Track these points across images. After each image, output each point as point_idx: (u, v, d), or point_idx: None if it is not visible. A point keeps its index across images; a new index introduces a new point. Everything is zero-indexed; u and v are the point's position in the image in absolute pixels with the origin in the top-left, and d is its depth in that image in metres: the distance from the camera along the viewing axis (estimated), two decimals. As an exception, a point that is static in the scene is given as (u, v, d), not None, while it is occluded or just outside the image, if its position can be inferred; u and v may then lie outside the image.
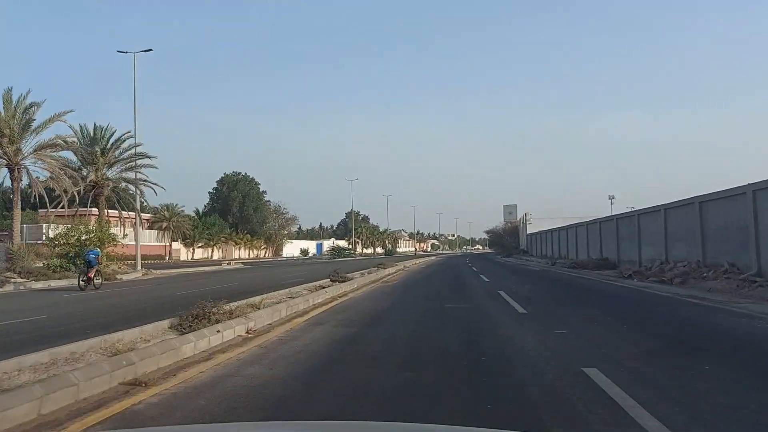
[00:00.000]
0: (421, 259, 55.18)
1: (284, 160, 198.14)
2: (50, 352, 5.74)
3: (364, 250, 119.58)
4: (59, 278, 22.81)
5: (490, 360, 5.96)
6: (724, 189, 19.07)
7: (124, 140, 27.93)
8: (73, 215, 29.25)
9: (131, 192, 30.47)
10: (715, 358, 6.16)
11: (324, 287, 15.36)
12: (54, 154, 23.80)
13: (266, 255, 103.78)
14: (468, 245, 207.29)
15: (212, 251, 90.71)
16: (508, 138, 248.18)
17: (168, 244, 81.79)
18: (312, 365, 5.99)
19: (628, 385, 4.67)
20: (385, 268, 28.72)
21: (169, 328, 7.93)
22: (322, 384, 5.17)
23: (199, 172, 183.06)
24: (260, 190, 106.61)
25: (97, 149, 26.86)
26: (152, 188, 33.10)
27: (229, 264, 46.70)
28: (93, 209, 72.80)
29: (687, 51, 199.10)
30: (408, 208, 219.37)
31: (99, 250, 21.90)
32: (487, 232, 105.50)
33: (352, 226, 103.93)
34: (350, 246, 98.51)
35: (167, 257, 79.10)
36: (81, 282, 18.82)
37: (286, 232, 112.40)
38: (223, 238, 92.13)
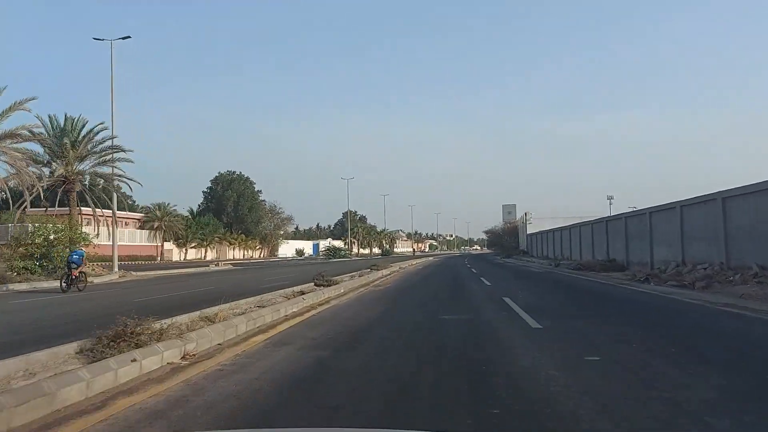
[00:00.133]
0: (419, 260, 53.25)
1: (282, 160, 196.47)
2: None
3: (361, 251, 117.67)
4: (20, 281, 20.88)
5: (506, 416, 4.02)
6: (752, 183, 17.21)
7: (98, 132, 26.01)
8: (45, 213, 27.28)
9: (107, 188, 28.43)
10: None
11: (304, 293, 13.45)
12: (17, 145, 21.82)
13: (261, 255, 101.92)
14: (466, 245, 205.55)
15: (205, 252, 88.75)
16: (506, 138, 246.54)
17: (159, 244, 79.86)
18: (245, 419, 4.08)
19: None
20: (378, 270, 26.82)
21: (76, 353, 5.99)
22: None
23: (196, 171, 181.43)
24: (255, 190, 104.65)
25: (66, 141, 24.89)
26: (128, 184, 31.04)
27: (217, 265, 44.74)
28: (82, 208, 70.80)
29: (686, 51, 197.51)
30: (406, 208, 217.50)
31: (83, 250, 20.91)
32: (486, 232, 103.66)
33: (348, 226, 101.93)
34: (346, 246, 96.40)
35: (159, 258, 77.17)
36: (63, 284, 18.22)
37: (281, 233, 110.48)
38: (216, 239, 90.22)
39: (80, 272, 19.03)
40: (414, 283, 20.86)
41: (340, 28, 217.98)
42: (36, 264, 22.95)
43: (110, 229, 30.08)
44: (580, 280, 21.82)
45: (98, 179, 26.71)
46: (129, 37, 28.91)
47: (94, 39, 28.96)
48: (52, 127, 25.91)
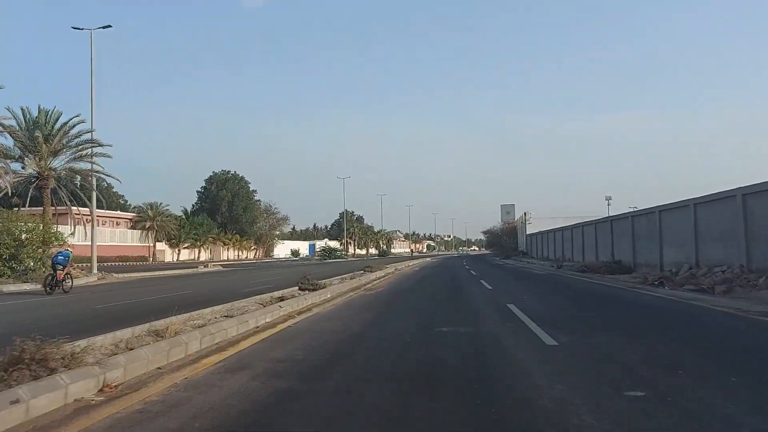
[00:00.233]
0: (415, 261, 51.79)
1: (280, 160, 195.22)
2: None
3: (357, 252, 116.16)
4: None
5: None
6: (778, 178, 15.80)
7: (74, 125, 24.45)
8: (17, 212, 25.68)
9: (85, 185, 26.86)
10: None
11: (285, 299, 11.97)
12: (-18, 139, 20.30)
13: (256, 256, 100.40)
14: (464, 246, 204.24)
15: (199, 252, 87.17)
16: (504, 138, 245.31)
17: (152, 244, 78.31)
18: None
19: None
20: (372, 272, 25.33)
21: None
22: None
23: (195, 171, 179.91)
24: (250, 189, 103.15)
25: (39, 135, 23.34)
26: (107, 181, 29.57)
27: (206, 266, 43.17)
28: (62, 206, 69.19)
29: (686, 51, 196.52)
30: (404, 209, 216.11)
31: (69, 251, 19.69)
32: (485, 233, 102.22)
33: (344, 225, 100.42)
34: (342, 247, 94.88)
35: (151, 259, 75.60)
36: (47, 286, 17.65)
37: (277, 233, 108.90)
38: (210, 239, 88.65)
39: (66, 274, 18.57)
40: (409, 286, 19.37)
41: (339, 28, 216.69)
42: (5, 266, 21.43)
43: (86, 228, 28.40)
44: (588, 283, 20.37)
45: (75, 176, 25.08)
46: (110, 26, 27.46)
47: (73, 28, 27.51)
48: (25, 120, 24.34)
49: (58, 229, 23.97)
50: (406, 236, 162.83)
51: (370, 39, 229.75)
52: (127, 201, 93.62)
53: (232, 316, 9.17)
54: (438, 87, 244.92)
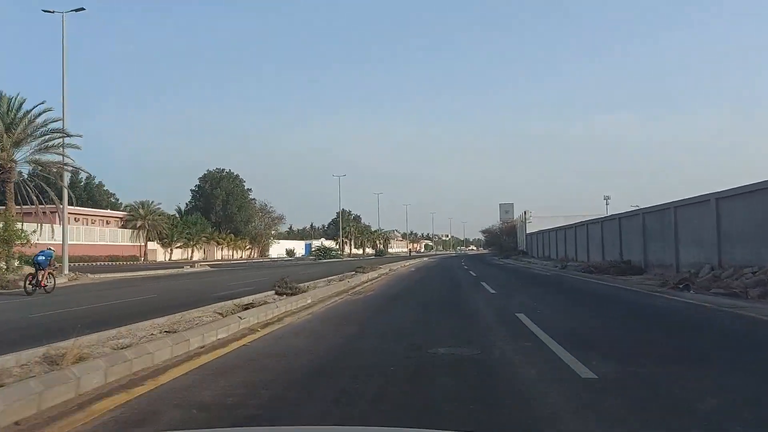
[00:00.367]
0: (413, 261, 49.88)
1: (278, 160, 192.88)
2: None
3: (354, 251, 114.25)
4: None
5: None
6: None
7: (39, 114, 22.53)
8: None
9: (49, 178, 24.88)
10: None
11: (254, 306, 10.08)
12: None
13: (251, 255, 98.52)
14: (462, 246, 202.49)
15: (192, 252, 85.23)
16: (501, 138, 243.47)
17: (143, 244, 76.37)
18: None
19: None
20: (364, 273, 23.42)
21: None
22: None
23: (193, 170, 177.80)
24: (245, 188, 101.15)
25: None
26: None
27: (193, 266, 41.25)
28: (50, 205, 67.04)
29: (685, 52, 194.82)
30: (402, 208, 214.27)
31: (52, 250, 18.82)
32: (483, 232, 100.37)
33: (340, 225, 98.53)
34: (338, 246, 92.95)
35: (142, 258, 73.68)
36: (28, 286, 17.06)
37: (273, 232, 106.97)
38: (204, 238, 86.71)
39: (48, 273, 17.98)
40: (402, 290, 17.45)
41: (338, 28, 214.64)
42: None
43: (53, 225, 26.44)
44: (600, 285, 18.45)
45: (48, 169, 23.09)
46: (83, 9, 25.52)
47: (44, 11, 25.62)
48: (-17, 109, 22.44)
49: (23, 227, 21.99)
50: (404, 236, 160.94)
51: (368, 39, 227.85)
52: (118, 200, 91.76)
53: (174, 332, 7.27)
54: (436, 87, 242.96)
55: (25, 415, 4.03)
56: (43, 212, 25.58)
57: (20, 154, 21.93)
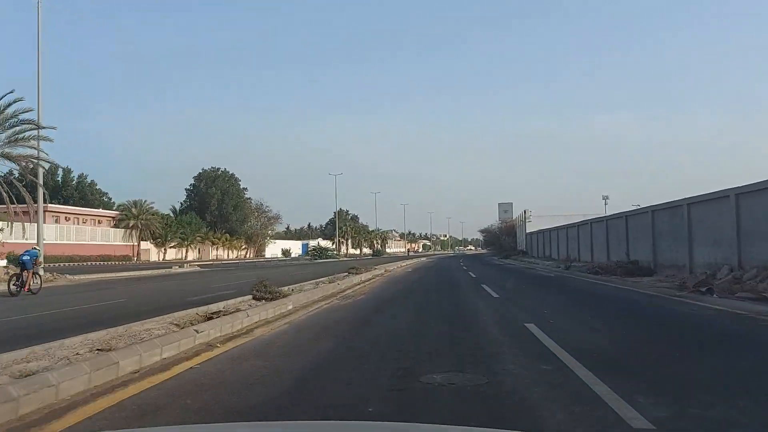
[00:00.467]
0: (410, 261, 48.45)
1: (276, 159, 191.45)
2: None
3: (351, 251, 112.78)
4: None
5: None
6: None
7: (9, 104, 20.94)
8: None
9: (23, 175, 23.39)
10: None
11: (221, 315, 8.68)
12: None
13: (247, 255, 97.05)
14: (460, 246, 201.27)
15: (186, 251, 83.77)
16: (499, 137, 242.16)
17: (136, 244, 74.88)
18: None
19: None
20: (357, 274, 22.02)
21: None
22: None
23: (185, 168, 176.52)
24: (240, 187, 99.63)
25: (-37, 114, 19.96)
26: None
27: (182, 267, 39.78)
28: (48, 205, 65.62)
29: (685, 52, 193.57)
30: (400, 208, 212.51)
31: (37, 250, 18.41)
32: (482, 232, 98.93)
33: (336, 224, 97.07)
34: (334, 246, 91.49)
35: (135, 258, 72.23)
36: (12, 287, 16.44)
37: (270, 232, 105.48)
38: (198, 238, 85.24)
39: (34, 273, 17.40)
40: (396, 293, 16.01)
41: (338, 29, 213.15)
42: None
43: (24, 224, 24.96)
44: (613, 289, 16.99)
45: (13, 162, 21.59)
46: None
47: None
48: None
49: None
50: (402, 236, 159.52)
51: (368, 39, 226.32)
52: (111, 199, 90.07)
53: (109, 350, 5.84)
54: (436, 87, 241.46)
55: None
56: (24, 211, 24.11)
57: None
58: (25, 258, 17.06)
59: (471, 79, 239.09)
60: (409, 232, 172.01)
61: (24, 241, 24.75)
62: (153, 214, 76.55)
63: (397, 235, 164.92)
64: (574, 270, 28.74)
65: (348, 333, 7.96)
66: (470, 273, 27.74)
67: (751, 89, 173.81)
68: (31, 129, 21.26)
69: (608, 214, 33.55)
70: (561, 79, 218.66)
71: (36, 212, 23.79)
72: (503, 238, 78.84)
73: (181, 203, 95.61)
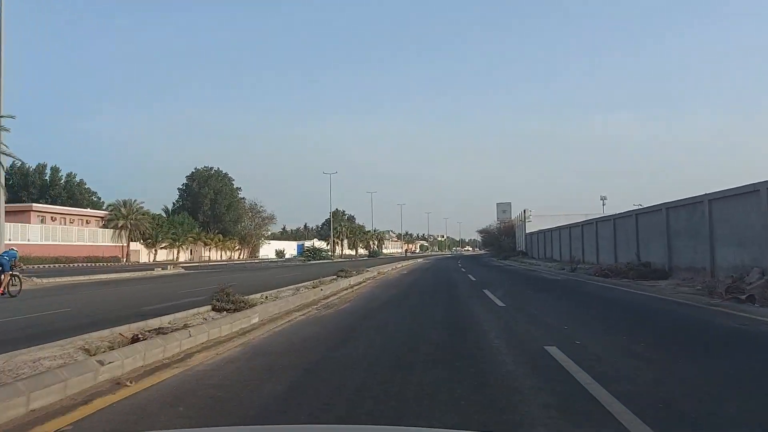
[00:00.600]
0: (406, 263, 46.54)
1: (277, 160, 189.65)
2: None
3: (346, 252, 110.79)
4: None
5: None
6: None
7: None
8: None
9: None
10: None
11: (161, 333, 6.77)
12: None
13: (241, 256, 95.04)
14: (457, 246, 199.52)
15: (178, 252, 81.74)
16: (497, 137, 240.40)
17: (125, 244, 72.82)
18: None
19: None
20: (346, 277, 20.11)
21: None
22: None
23: (180, 168, 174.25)
24: (234, 187, 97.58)
25: None
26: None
27: (165, 269, 37.77)
28: (33, 204, 63.15)
29: (685, 52, 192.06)
30: (397, 208, 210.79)
31: (15, 251, 17.65)
32: (480, 232, 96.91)
33: (331, 224, 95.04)
34: (328, 247, 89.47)
35: (124, 259, 70.22)
36: None
37: (269, 233, 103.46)
38: (190, 239, 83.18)
39: (12, 276, 16.84)
40: (387, 301, 14.07)
41: (338, 29, 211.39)
42: None
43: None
44: (634, 295, 15.00)
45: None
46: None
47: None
48: None
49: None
50: (399, 236, 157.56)
51: (368, 39, 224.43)
52: (100, 198, 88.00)
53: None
54: (436, 87, 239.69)
55: None
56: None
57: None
58: (4, 260, 16.40)
59: (471, 79, 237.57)
60: (407, 233, 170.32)
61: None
62: (143, 214, 74.55)
63: (394, 235, 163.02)
64: (581, 272, 26.84)
65: (314, 364, 6.00)
66: (470, 276, 25.81)
67: (751, 89, 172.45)
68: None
69: (615, 213, 31.64)
70: (561, 79, 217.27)
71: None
72: (502, 239, 76.89)
73: (173, 203, 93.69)
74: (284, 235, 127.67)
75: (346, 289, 17.15)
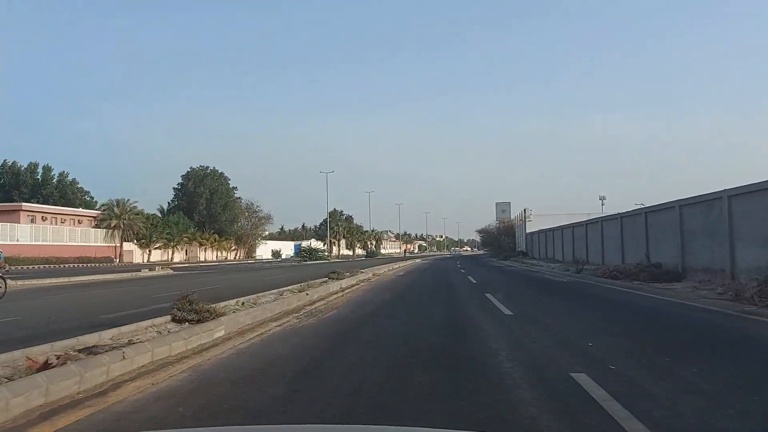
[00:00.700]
0: (404, 263, 45.13)
1: (276, 160, 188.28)
2: None
3: (344, 252, 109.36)
4: None
5: None
6: None
7: None
8: None
9: None
10: None
11: (94, 352, 5.33)
12: None
13: (237, 257, 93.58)
14: (456, 246, 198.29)
15: (172, 253, 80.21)
16: (500, 138, 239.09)
17: (118, 245, 71.36)
18: None
19: None
20: (338, 279, 18.68)
21: None
22: None
23: (175, 168, 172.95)
24: (230, 186, 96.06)
25: None
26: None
27: (153, 270, 36.31)
28: (23, 204, 61.58)
29: (685, 52, 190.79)
30: (395, 208, 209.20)
31: (0, 251, 17.22)
32: (479, 232, 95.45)
33: (327, 224, 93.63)
34: (325, 247, 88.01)
35: (117, 260, 68.74)
36: None
37: (264, 233, 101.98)
38: (185, 239, 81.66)
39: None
40: (378, 307, 12.63)
41: (338, 29, 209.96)
42: None
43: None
44: (654, 300, 13.51)
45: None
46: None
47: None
48: None
49: None
50: (397, 236, 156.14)
51: (368, 39, 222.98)
52: (93, 198, 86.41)
53: None
54: (436, 87, 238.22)
55: None
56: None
57: None
58: None
59: (471, 79, 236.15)
60: (405, 233, 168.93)
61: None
62: (136, 214, 73.12)
63: (392, 235, 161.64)
64: (587, 274, 25.43)
65: (270, 404, 4.56)
66: (470, 278, 24.37)
67: (751, 89, 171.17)
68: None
69: (619, 212, 30.24)
70: (561, 79, 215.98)
71: None
72: (502, 239, 75.44)
73: (168, 203, 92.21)
74: (282, 236, 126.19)
75: (336, 293, 15.71)
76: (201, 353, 6.67)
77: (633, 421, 3.67)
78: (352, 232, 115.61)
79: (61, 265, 54.92)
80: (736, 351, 6.79)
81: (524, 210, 68.11)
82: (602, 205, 66.05)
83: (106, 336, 6.96)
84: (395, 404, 4.35)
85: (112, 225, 70.27)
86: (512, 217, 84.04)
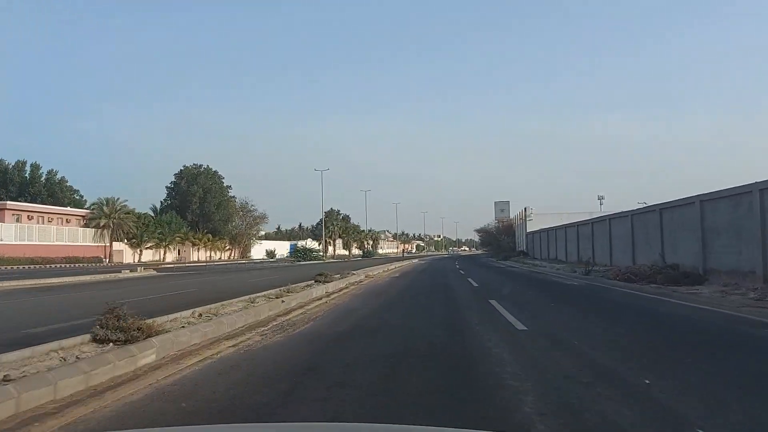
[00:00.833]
0: (399, 263, 43.24)
1: (276, 160, 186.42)
2: None
3: (340, 251, 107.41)
4: None
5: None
6: None
7: None
8: None
9: None
10: None
11: None
12: None
13: (231, 257, 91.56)
14: (454, 246, 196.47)
15: (164, 252, 78.18)
16: (500, 138, 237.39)
17: (108, 244, 69.38)
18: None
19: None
20: (325, 282, 16.82)
21: None
22: None
23: (171, 167, 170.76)
24: (224, 185, 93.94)
25: None
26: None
27: (135, 271, 34.33)
28: (8, 202, 59.41)
29: (685, 52, 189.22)
30: (392, 208, 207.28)
31: None
32: (478, 231, 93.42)
33: (323, 224, 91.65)
34: (320, 247, 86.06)
35: (107, 260, 66.79)
36: None
37: (259, 232, 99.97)
38: (178, 238, 79.64)
39: None
40: (366, 316, 10.71)
41: (338, 29, 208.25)
42: None
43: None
44: (689, 309, 11.46)
45: None
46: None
47: None
48: None
49: None
50: (395, 236, 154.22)
51: (368, 39, 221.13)
52: (83, 197, 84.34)
53: None
54: (436, 87, 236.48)
55: None
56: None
57: None
58: None
59: (471, 79, 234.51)
60: (402, 233, 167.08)
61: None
62: (127, 213, 71.16)
63: (390, 235, 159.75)
64: (597, 275, 23.53)
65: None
66: (470, 280, 22.44)
67: (751, 89, 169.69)
68: None
69: (637, 208, 28.38)
70: (560, 79, 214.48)
71: None
72: (501, 238, 73.53)
73: (161, 202, 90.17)
74: (278, 235, 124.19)
75: (320, 299, 13.79)
76: (103, 394, 4.77)
77: None
78: (349, 232, 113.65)
79: (47, 266, 53.01)
80: None
81: (525, 209, 66.29)
82: (600, 204, 64.47)
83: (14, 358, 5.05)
84: None
85: (102, 224, 68.41)
86: (511, 216, 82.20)
